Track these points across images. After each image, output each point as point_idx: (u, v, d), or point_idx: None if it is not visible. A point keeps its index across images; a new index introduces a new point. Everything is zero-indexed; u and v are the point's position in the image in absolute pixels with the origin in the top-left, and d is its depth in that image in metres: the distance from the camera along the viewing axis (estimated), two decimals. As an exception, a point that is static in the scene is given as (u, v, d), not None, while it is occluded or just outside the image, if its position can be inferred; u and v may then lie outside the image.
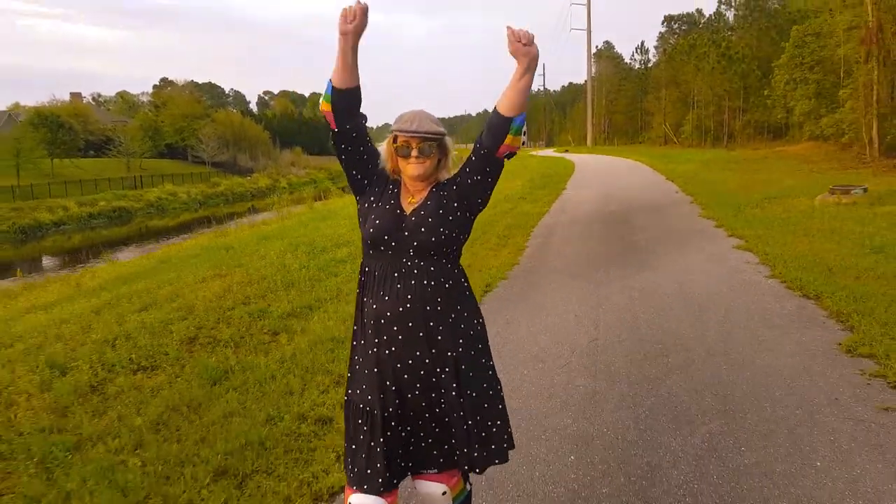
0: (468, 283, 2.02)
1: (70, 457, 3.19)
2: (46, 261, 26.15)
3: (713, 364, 4.13)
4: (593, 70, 73.92)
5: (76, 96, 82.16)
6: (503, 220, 10.69)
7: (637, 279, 6.48)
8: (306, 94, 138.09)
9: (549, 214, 11.91)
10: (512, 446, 1.99)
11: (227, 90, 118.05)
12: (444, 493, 1.98)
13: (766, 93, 31.03)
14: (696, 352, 4.36)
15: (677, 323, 5.00)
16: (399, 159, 1.94)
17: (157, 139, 54.68)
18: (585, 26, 66.48)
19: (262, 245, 9.07)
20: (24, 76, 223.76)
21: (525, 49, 1.74)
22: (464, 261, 5.60)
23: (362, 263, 1.98)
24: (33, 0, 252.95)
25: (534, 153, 53.30)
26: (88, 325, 5.15)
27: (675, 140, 49.68)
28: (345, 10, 1.80)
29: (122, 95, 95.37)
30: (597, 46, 78.97)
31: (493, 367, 2.00)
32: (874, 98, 18.60)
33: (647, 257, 7.56)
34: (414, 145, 1.90)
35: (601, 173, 23.40)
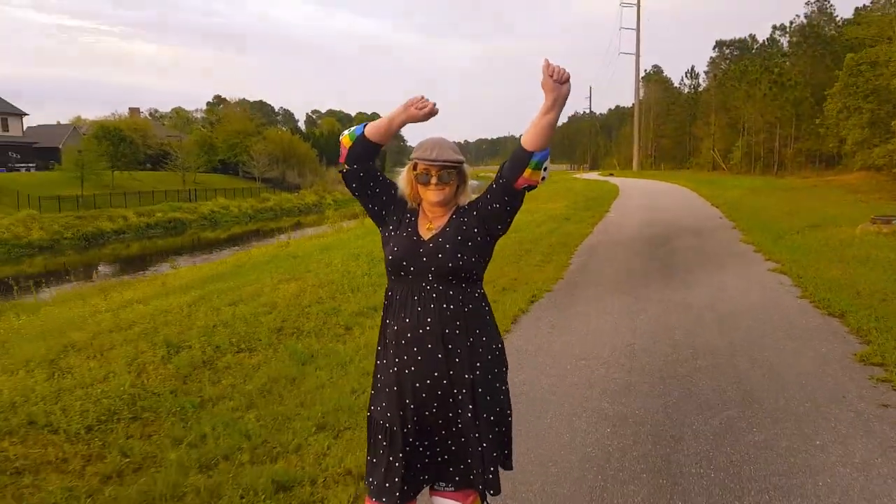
0: (489, 307, 2.07)
1: (197, 412, 4.01)
2: (111, 267, 27.76)
3: (737, 365, 4.71)
4: (641, 93, 74.13)
5: (135, 111, 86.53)
6: (548, 239, 11.33)
7: (674, 295, 7.05)
8: (352, 114, 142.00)
9: (592, 235, 12.51)
10: (509, 466, 2.07)
11: (276, 108, 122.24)
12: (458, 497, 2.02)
13: (818, 121, 30.90)
14: (723, 356, 4.94)
15: (708, 332, 5.58)
16: (419, 186, 2.02)
17: (211, 154, 57.24)
18: (634, 50, 66.79)
19: (325, 254, 9.96)
20: (84, 91, 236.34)
21: (555, 85, 1.77)
22: (511, 275, 6.61)
23: (387, 288, 2.06)
24: (94, 17, 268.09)
25: (577, 176, 53.65)
26: (189, 315, 6.04)
27: (724, 166, 49.36)
28: (423, 100, 1.96)
29: (178, 111, 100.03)
30: (645, 70, 79.20)
31: (507, 392, 2.06)
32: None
33: (686, 276, 8.11)
34: (433, 173, 1.97)
35: (645, 197, 23.79)
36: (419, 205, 2.07)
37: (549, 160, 1.89)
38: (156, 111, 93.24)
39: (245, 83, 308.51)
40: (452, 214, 2.03)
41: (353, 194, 2.08)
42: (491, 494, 1.98)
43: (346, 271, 8.02)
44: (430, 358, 1.91)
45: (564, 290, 7.49)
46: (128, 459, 3.38)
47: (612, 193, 25.57)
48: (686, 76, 72.37)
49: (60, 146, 54.11)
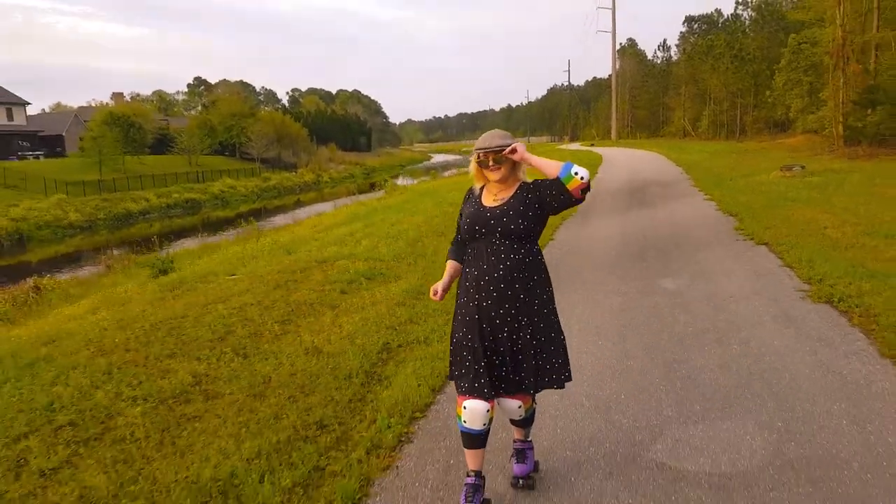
0: (543, 260, 2.79)
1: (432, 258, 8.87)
2: (178, 237, 31.69)
3: (676, 235, 9.72)
4: (617, 65, 79.17)
5: (118, 96, 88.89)
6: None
7: (646, 213, 12.09)
8: (333, 91, 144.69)
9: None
10: (569, 379, 2.77)
11: (258, 88, 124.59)
12: (519, 407, 2.81)
13: (768, 92, 36.28)
14: (670, 234, 9.93)
15: (663, 227, 10.60)
16: (483, 170, 2.73)
17: (211, 137, 60.69)
18: (611, 28, 71.66)
19: (408, 205, 14.81)
20: (45, 74, 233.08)
21: (518, 156, 2.64)
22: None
23: (468, 245, 2.77)
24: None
25: (561, 147, 58.75)
26: (381, 227, 10.86)
27: (693, 133, 54.90)
28: (434, 294, 2.83)
29: (160, 94, 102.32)
30: (621, 44, 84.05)
31: (558, 322, 2.78)
32: (840, 100, 23.85)
33: (653, 206, 13.17)
34: (489, 158, 2.67)
35: (625, 162, 29.00)
36: (483, 186, 2.81)
37: (573, 168, 2.58)
38: (138, 95, 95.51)
39: (216, 62, 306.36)
40: (517, 189, 2.72)
41: None
42: (557, 387, 2.76)
43: (442, 212, 12.89)
44: (502, 296, 2.63)
45: (578, 219, 12.48)
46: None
47: (598, 160, 30.73)
48: (659, 49, 77.52)
49: (64, 133, 57.31)
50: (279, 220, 28.32)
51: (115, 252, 20.79)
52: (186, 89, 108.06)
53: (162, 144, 56.71)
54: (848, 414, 3.54)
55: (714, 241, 9.09)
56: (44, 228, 33.37)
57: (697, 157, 28.06)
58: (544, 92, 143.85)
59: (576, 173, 2.57)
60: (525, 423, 2.95)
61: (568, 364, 2.79)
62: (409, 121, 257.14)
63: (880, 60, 22.86)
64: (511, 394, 2.75)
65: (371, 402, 3.90)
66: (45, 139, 55.34)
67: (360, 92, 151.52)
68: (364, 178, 68.81)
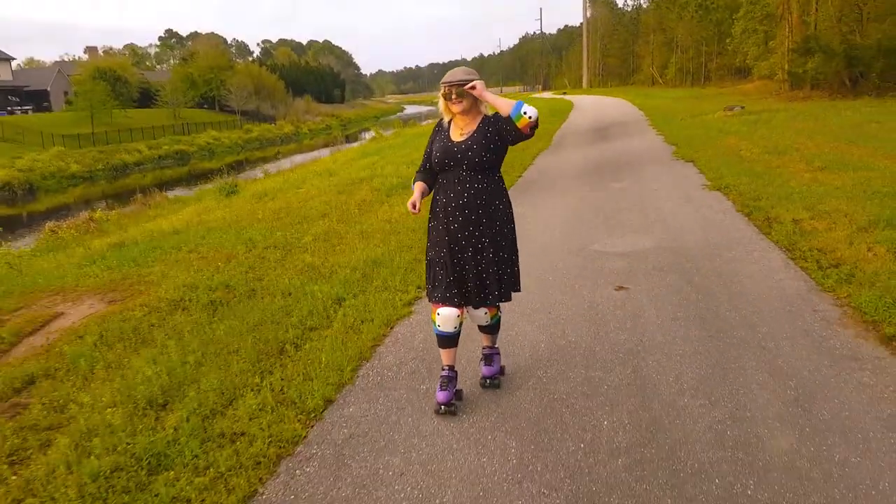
0: (504, 185, 3.20)
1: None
2: (182, 184, 33.69)
3: (628, 160, 12.63)
4: (588, 13, 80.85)
5: (92, 50, 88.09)
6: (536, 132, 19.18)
7: (606, 146, 14.99)
8: (304, 42, 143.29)
9: (560, 129, 20.39)
10: (518, 289, 3.29)
11: (228, 40, 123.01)
12: (486, 314, 3.30)
13: (728, 40, 39.00)
14: (622, 159, 12.85)
15: (618, 155, 13.50)
16: (447, 103, 3.05)
17: (193, 91, 61.61)
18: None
19: (409, 143, 17.48)
20: (11, 30, 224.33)
21: (477, 93, 2.95)
22: (522, 149, 16.82)
23: (438, 175, 3.16)
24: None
25: (536, 96, 61.05)
26: (376, 164, 13.56)
27: (661, 81, 57.58)
28: (412, 207, 3.03)
29: (132, 48, 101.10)
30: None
31: (515, 240, 3.24)
32: (785, 48, 26.74)
33: (613, 141, 16.06)
34: (453, 91, 2.99)
35: (593, 108, 31.77)
36: (451, 120, 3.14)
37: (523, 108, 2.86)
38: (110, 49, 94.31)
39: (181, 13, 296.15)
40: (480, 123, 3.06)
41: None
42: (505, 300, 3.24)
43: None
44: (467, 219, 3.06)
45: (552, 149, 15.33)
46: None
47: (568, 106, 33.42)
48: (629, -3, 79.10)
49: (49, 88, 57.75)
50: (283, 164, 30.67)
51: (139, 195, 23.08)
52: (158, 42, 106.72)
53: (145, 98, 57.58)
54: (704, 231, 6.53)
55: (655, 161, 12.03)
56: (49, 179, 35.15)
57: (659, 102, 30.94)
58: (516, 41, 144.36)
59: (524, 112, 2.88)
60: (492, 329, 3.42)
61: (519, 279, 3.30)
62: (381, 72, 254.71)
63: (819, 12, 25.66)
64: (477, 307, 3.22)
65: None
66: (30, 94, 55.86)
67: (331, 42, 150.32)
68: (341, 129, 70.39)
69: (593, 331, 4.16)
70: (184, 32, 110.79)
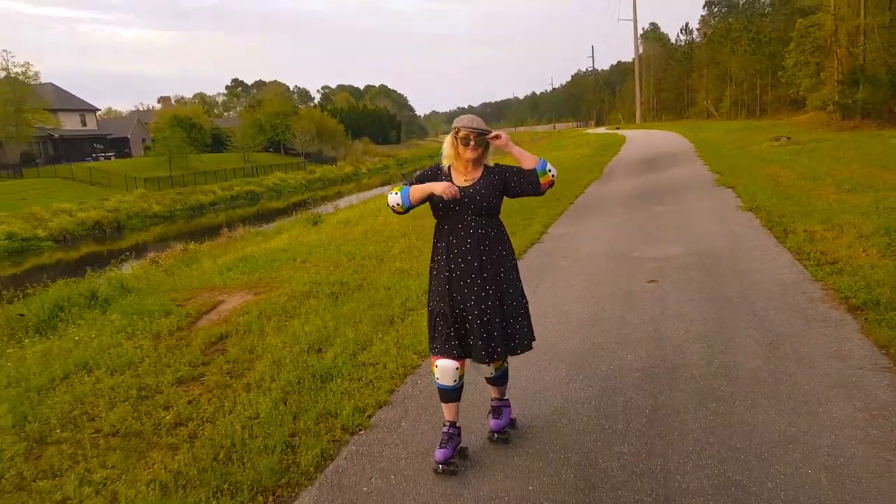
0: (506, 232, 3.18)
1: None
2: (258, 220, 36.32)
3: (676, 190, 13.85)
4: (641, 50, 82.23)
5: (165, 99, 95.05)
6: (587, 164, 20.52)
7: (654, 176, 16.23)
8: (361, 87, 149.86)
9: (611, 161, 21.70)
10: (533, 339, 3.16)
11: (291, 87, 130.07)
12: (489, 366, 3.19)
13: (779, 73, 39.57)
14: (672, 186, 14.08)
15: (662, 182, 14.73)
16: (460, 147, 3.03)
17: (261, 135, 65.97)
18: (632, 17, 74.65)
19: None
20: (86, 80, 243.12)
21: (502, 143, 3.03)
22: (575, 180, 18.34)
23: (437, 222, 3.13)
24: (91, 7, 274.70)
25: (588, 131, 62.46)
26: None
27: (716, 114, 58.05)
28: (454, 190, 2.95)
29: (202, 97, 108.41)
30: (643, 28, 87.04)
31: (522, 288, 3.16)
32: (834, 79, 27.35)
33: (661, 170, 17.28)
34: (472, 138, 3.01)
35: (645, 141, 32.95)
36: (450, 166, 3.13)
37: (548, 166, 3.04)
38: (181, 98, 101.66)
39: (245, 62, 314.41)
40: (484, 172, 3.11)
41: None
42: (521, 351, 3.14)
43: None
44: (470, 267, 3.01)
45: (603, 179, 16.65)
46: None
47: (620, 140, 34.68)
48: (681, 32, 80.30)
49: (129, 136, 63.03)
50: (349, 200, 32.94)
51: (225, 230, 25.57)
52: (225, 91, 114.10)
53: (216, 143, 61.98)
54: (729, 241, 7.76)
55: (697, 188, 13.22)
56: (133, 218, 38.53)
57: (711, 134, 31.83)
58: (568, 78, 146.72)
59: (549, 170, 3.04)
60: (498, 381, 3.32)
61: (531, 327, 3.19)
62: (434, 112, 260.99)
63: (867, 44, 26.29)
64: (482, 362, 3.11)
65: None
66: (112, 141, 61.08)
67: (387, 87, 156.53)
68: (397, 168, 73.41)
69: (627, 306, 5.51)
70: (248, 81, 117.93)
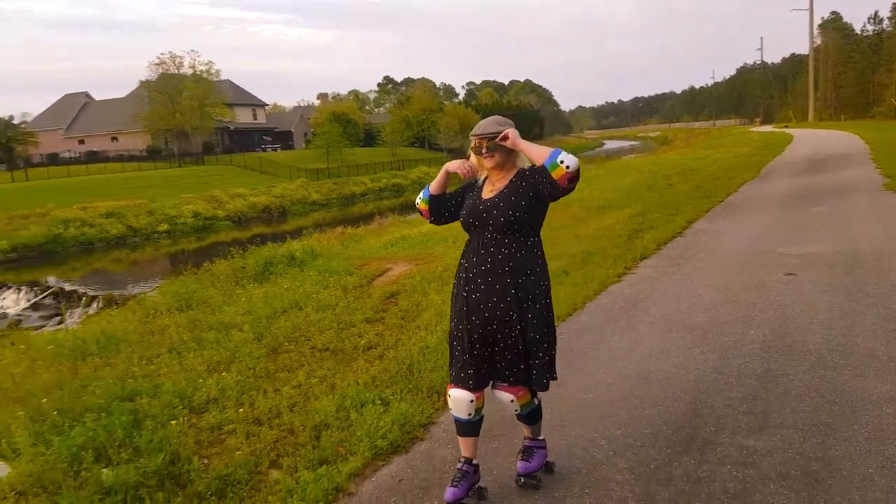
0: (541, 253, 2.82)
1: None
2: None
3: (845, 190, 13.36)
4: (819, 41, 75.66)
5: (323, 96, 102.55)
6: (744, 164, 20.01)
7: (819, 178, 15.63)
8: (506, 83, 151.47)
9: (772, 161, 20.93)
10: (553, 377, 2.82)
11: (437, 84, 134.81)
12: (512, 401, 2.86)
13: None
14: (838, 188, 13.57)
15: (824, 184, 14.18)
16: (479, 158, 2.78)
17: (408, 131, 69.55)
18: (808, 6, 69.06)
19: (614, 172, 19.51)
20: (255, 77, 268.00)
21: (510, 143, 2.67)
22: (729, 179, 18.37)
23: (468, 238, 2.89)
24: (258, 8, 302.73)
25: (752, 129, 58.85)
26: (591, 183, 15.77)
27: (906, 113, 52.13)
28: (473, 167, 2.81)
29: (356, 93, 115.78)
30: (822, 17, 79.89)
31: (550, 319, 2.81)
32: None
33: (828, 172, 16.53)
34: (483, 144, 2.72)
35: (814, 141, 30.96)
36: (485, 177, 2.86)
37: (560, 156, 2.57)
38: (338, 94, 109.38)
39: (395, 60, 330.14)
40: (513, 177, 2.76)
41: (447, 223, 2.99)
42: (538, 390, 2.84)
43: (647, 179, 17.37)
44: (490, 289, 2.71)
45: (760, 179, 16.27)
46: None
47: (786, 140, 32.80)
48: (869, 22, 72.76)
49: (293, 129, 69.37)
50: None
51: (377, 217, 27.93)
52: (377, 88, 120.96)
53: (368, 138, 66.31)
54: (881, 244, 7.77)
55: (862, 190, 12.71)
56: (296, 205, 42.67)
57: (892, 136, 29.11)
58: (732, 72, 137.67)
59: (561, 161, 2.58)
60: (527, 419, 3.01)
61: (553, 365, 2.85)
62: (580, 107, 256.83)
63: None
64: (501, 385, 2.85)
65: (637, 240, 8.82)
66: (278, 134, 67.58)
67: (532, 81, 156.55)
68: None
69: (758, 294, 5.98)
70: (398, 78, 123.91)
